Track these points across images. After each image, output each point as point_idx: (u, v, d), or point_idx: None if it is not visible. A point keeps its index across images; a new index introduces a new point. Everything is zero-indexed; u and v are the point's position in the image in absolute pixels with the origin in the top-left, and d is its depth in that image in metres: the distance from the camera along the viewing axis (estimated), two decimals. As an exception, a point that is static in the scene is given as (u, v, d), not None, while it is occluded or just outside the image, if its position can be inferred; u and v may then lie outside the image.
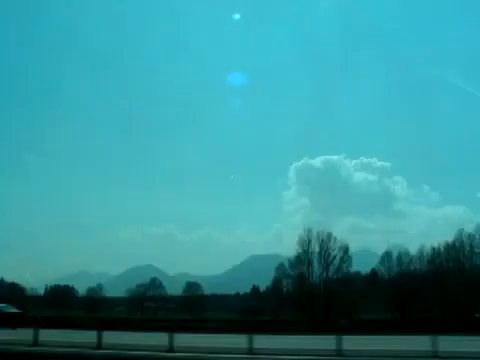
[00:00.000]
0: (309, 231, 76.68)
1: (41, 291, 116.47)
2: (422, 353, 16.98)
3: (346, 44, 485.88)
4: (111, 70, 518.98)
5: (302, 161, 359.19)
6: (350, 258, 76.89)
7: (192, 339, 21.25)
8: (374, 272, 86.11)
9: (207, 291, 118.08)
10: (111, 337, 21.04)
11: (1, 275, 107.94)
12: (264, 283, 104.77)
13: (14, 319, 31.93)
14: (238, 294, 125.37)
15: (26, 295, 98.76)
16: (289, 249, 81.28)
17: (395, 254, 77.15)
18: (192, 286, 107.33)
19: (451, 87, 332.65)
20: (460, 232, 73.04)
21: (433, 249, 75.59)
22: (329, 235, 76.89)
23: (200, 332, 24.20)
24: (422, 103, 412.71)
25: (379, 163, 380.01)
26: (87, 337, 20.94)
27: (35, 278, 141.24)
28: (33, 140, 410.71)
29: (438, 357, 16.61)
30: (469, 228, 74.02)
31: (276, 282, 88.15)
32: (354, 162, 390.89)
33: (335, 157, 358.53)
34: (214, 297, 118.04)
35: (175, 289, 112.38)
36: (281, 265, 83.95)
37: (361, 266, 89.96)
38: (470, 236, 72.46)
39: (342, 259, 76.20)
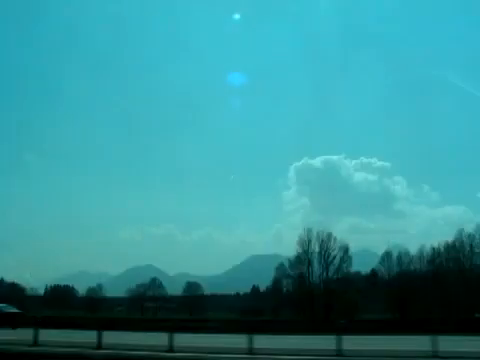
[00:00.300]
0: (309, 231, 76.82)
1: (41, 291, 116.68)
2: (422, 353, 16.97)
3: (346, 44, 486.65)
4: (111, 70, 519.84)
5: (302, 161, 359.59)
6: (350, 258, 76.94)
7: (192, 339, 21.24)
8: (374, 272, 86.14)
9: (207, 291, 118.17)
10: (111, 337, 21.03)
11: (1, 275, 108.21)
12: (264, 283, 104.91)
13: (14, 319, 31.91)
14: (238, 294, 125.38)
15: (26, 295, 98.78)
16: (289, 249, 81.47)
17: (395, 254, 77.29)
18: (192, 286, 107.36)
19: (451, 87, 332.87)
20: (460, 232, 73.20)
21: (433, 249, 75.72)
22: (329, 235, 77.02)
23: (200, 332, 24.22)
24: (422, 103, 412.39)
25: (379, 163, 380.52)
26: (87, 337, 20.93)
27: (35, 278, 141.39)
28: (33, 140, 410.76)
29: (438, 357, 16.60)
30: (469, 228, 74.19)
31: (276, 282, 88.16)
32: (354, 162, 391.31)
33: (335, 157, 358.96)
34: (214, 297, 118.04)
35: (175, 289, 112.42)
36: (281, 265, 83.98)
37: (361, 266, 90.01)
38: (470, 236, 72.55)
39: (342, 259, 76.27)
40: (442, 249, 75.11)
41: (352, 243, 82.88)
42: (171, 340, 19.72)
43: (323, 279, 76.54)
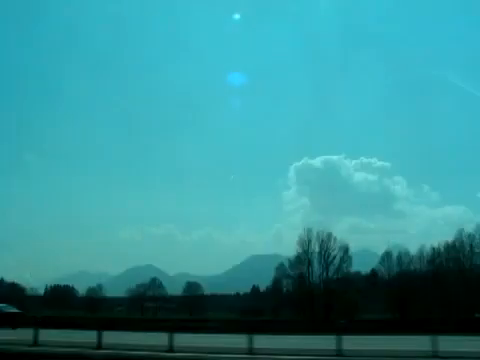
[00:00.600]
0: (309, 231, 76.83)
1: (41, 291, 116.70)
2: (422, 353, 16.97)
3: (346, 44, 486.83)
4: (111, 70, 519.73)
5: (302, 161, 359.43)
6: (350, 258, 76.95)
7: (192, 339, 21.24)
8: (374, 272, 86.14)
9: (207, 291, 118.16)
10: (111, 337, 21.04)
11: (1, 275, 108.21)
12: (264, 283, 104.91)
13: (14, 319, 31.92)
14: (238, 294, 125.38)
15: (26, 295, 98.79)
16: (289, 249, 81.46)
17: (395, 254, 77.30)
18: (192, 286, 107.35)
19: (451, 87, 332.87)
20: (460, 232, 73.21)
21: (433, 249, 75.73)
22: (329, 235, 77.04)
23: (200, 332, 24.23)
24: (422, 103, 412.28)
25: (379, 163, 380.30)
26: (87, 337, 20.93)
27: (35, 278, 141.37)
28: (33, 140, 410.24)
29: (438, 357, 16.60)
30: (469, 228, 74.21)
31: (276, 282, 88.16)
32: (354, 162, 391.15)
33: (335, 157, 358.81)
34: (214, 297, 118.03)
35: (175, 289, 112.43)
36: (281, 265, 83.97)
37: (361, 266, 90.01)
38: (470, 236, 72.56)
39: (342, 259, 76.28)
40: (442, 249, 75.22)
41: (352, 243, 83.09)
42: (171, 340, 19.72)
43: (323, 279, 76.55)
